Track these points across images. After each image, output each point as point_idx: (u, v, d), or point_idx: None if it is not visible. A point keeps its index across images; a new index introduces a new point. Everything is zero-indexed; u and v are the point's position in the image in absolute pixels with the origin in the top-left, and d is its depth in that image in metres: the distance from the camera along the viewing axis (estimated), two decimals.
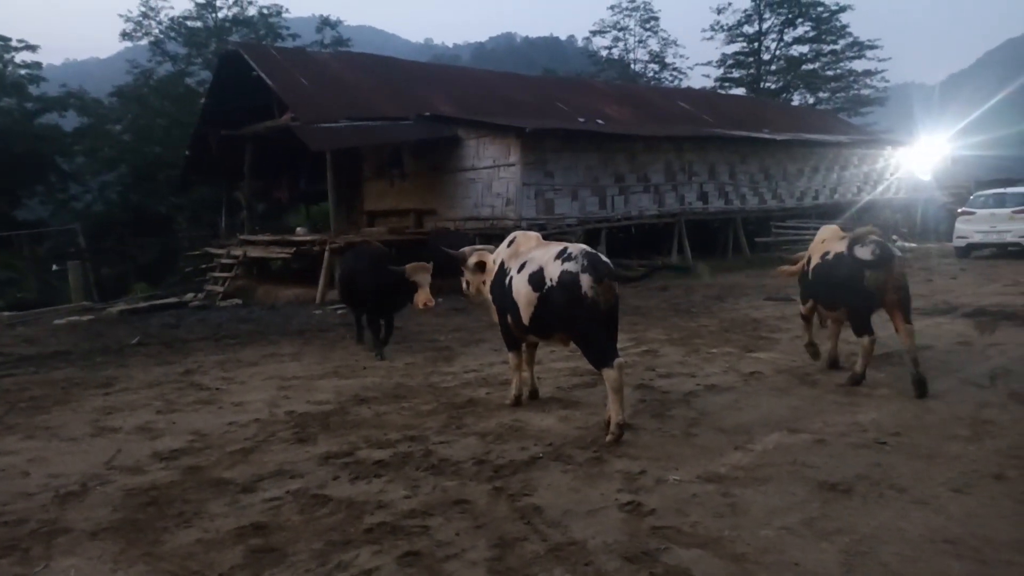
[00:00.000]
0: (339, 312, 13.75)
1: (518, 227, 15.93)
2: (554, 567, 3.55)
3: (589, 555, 3.65)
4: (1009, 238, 17.96)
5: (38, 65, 31.51)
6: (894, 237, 25.19)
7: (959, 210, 20.21)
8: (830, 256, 6.82)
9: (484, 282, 6.54)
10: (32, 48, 30.92)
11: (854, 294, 6.50)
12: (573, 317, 5.47)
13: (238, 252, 17.96)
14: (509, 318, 6.11)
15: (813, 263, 7.13)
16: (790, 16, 47.19)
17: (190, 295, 17.47)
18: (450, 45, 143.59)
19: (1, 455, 5.62)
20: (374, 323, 9.23)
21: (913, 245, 23.75)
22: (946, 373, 7.08)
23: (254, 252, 17.77)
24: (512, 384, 6.54)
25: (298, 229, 19.22)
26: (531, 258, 5.88)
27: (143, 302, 16.73)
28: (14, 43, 30.18)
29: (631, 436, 5.43)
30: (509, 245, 6.36)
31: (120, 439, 5.95)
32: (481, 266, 6.59)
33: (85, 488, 4.85)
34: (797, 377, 7.20)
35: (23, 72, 30.64)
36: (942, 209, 27.44)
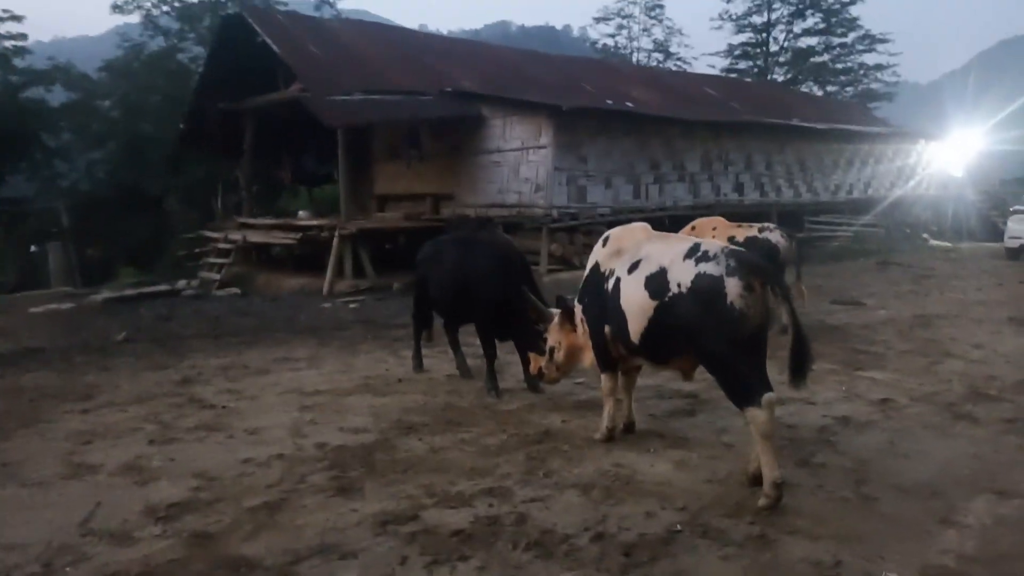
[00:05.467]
0: (351, 306, 12.31)
1: (548, 215, 14.53)
2: None
3: None
4: None
5: (23, 36, 29.67)
6: (925, 236, 23.99)
7: (1012, 208, 18.88)
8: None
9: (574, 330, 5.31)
10: (17, 18, 28.97)
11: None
12: (710, 336, 4.09)
13: (237, 236, 16.44)
14: (608, 331, 4.74)
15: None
16: (800, 7, 45.66)
17: (183, 282, 15.92)
18: (444, 32, 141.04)
19: None
20: (490, 345, 6.59)
21: (948, 245, 22.47)
22: None
23: (255, 237, 16.26)
24: (604, 414, 5.13)
25: (300, 213, 17.74)
26: (646, 256, 4.49)
27: (130, 289, 15.18)
28: None
29: (789, 498, 4.06)
30: (604, 245, 4.97)
31: (101, 484, 4.50)
32: (570, 315, 5.33)
33: (49, 571, 3.42)
34: (941, 407, 5.86)
35: (8, 44, 28.86)
36: (971, 207, 26.20)
